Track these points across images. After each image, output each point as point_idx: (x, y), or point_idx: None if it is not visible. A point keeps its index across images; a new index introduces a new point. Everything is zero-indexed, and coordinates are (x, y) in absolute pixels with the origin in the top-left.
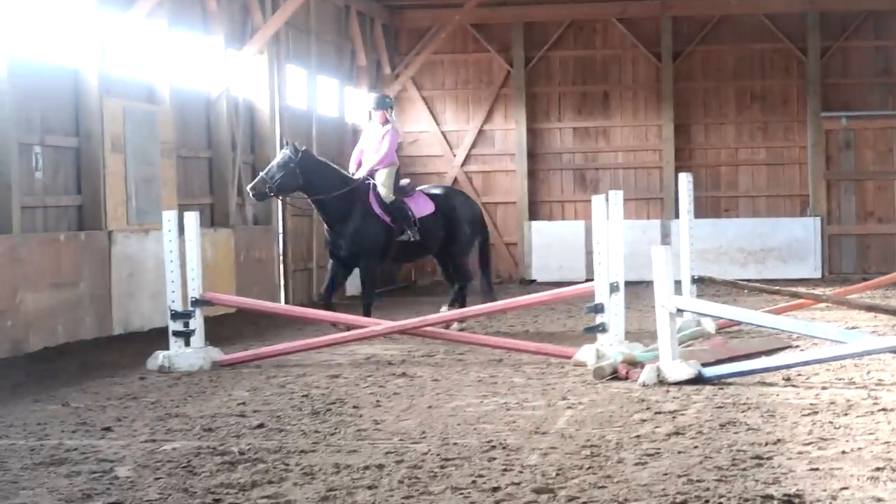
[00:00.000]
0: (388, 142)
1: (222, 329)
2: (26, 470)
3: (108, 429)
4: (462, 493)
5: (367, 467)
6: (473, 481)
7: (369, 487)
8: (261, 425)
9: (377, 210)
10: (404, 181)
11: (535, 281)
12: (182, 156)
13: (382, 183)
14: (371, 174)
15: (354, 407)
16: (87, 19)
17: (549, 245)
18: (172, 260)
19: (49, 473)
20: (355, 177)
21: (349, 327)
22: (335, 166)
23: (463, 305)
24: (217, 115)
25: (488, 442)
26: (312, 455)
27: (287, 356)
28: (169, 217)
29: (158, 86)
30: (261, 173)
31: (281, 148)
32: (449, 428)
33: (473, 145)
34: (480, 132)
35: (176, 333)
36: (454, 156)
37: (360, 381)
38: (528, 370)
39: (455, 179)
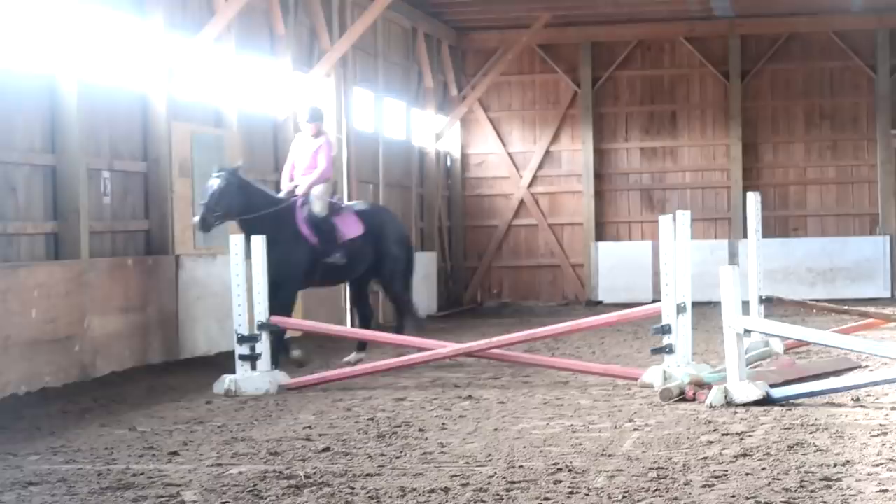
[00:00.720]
0: (325, 156)
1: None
2: (93, 494)
3: (174, 453)
4: None
5: (432, 490)
6: None
7: None
8: (327, 449)
9: (304, 231)
10: (334, 198)
11: (601, 302)
12: (251, 179)
13: (318, 197)
14: (306, 190)
15: (420, 430)
16: (156, 44)
17: (616, 266)
18: (239, 284)
19: (116, 498)
20: (289, 193)
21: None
22: (260, 186)
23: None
24: (284, 139)
25: (554, 465)
26: (378, 478)
27: (353, 379)
28: (236, 241)
29: (226, 110)
30: (200, 202)
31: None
32: (515, 451)
33: (540, 166)
34: (547, 153)
35: (242, 357)
36: (520, 177)
37: (425, 404)
38: (594, 392)
39: (521, 201)
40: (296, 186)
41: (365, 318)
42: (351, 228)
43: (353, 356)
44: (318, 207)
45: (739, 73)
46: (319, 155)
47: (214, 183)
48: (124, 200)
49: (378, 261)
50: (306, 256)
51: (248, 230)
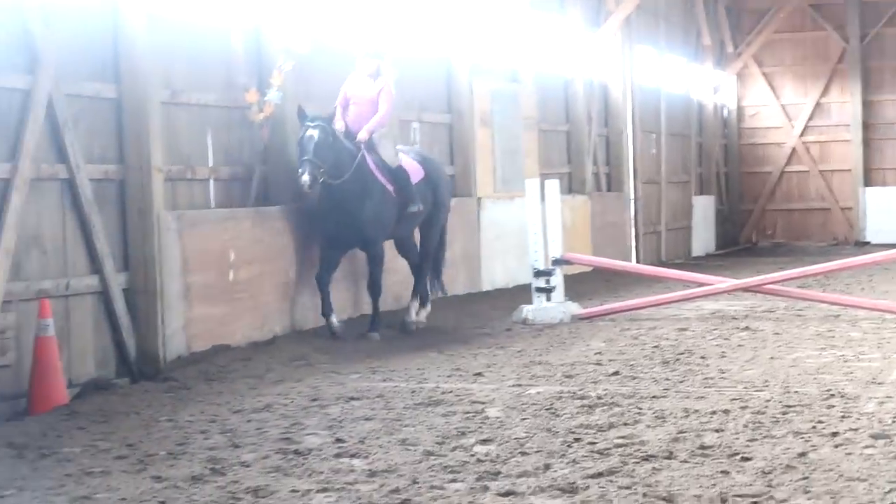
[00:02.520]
0: (387, 99)
1: (579, 286)
2: (408, 409)
3: (479, 374)
4: (803, 437)
5: (713, 412)
6: (813, 426)
7: (716, 430)
8: (616, 373)
9: (384, 182)
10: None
11: (869, 243)
12: (542, 129)
13: (387, 146)
14: (369, 136)
15: (701, 357)
16: (457, 11)
17: (884, 210)
18: (535, 223)
19: (428, 412)
20: (355, 141)
21: None
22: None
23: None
24: (574, 93)
25: (827, 391)
26: (663, 400)
27: (639, 311)
28: (532, 185)
29: (521, 67)
30: (305, 159)
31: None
32: (790, 377)
33: (811, 117)
34: (818, 105)
35: (538, 290)
36: (792, 127)
37: (706, 334)
38: (863, 325)
39: (794, 149)
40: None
41: (420, 265)
42: (415, 173)
43: (419, 313)
44: (391, 154)
45: None
46: (381, 98)
47: (314, 134)
48: (431, 148)
49: (435, 207)
50: (393, 209)
51: (334, 191)
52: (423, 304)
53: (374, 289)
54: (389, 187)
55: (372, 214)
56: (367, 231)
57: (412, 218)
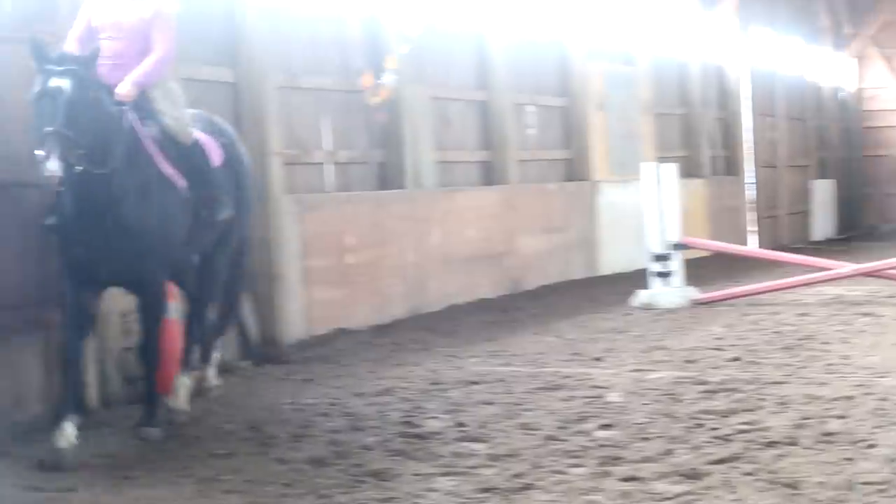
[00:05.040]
0: (166, 29)
1: (697, 270)
2: (528, 393)
3: (598, 359)
4: None
5: (836, 399)
6: None
7: (839, 417)
8: (736, 358)
9: (168, 170)
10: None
11: None
12: (658, 113)
13: (172, 113)
14: (138, 92)
15: (823, 343)
16: None
17: None
18: (652, 207)
19: (548, 397)
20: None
21: None
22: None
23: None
24: (689, 75)
25: None
26: (785, 386)
27: (758, 296)
28: (648, 168)
29: (635, 49)
30: (49, 131)
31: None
32: None
33: None
34: None
35: (657, 274)
36: None
37: (827, 319)
38: None
39: None
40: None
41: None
42: (213, 154)
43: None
44: (180, 122)
45: None
46: (156, 27)
47: (63, 86)
48: (546, 132)
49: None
50: (184, 218)
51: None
52: (206, 359)
53: (149, 356)
54: (179, 182)
55: (151, 229)
56: (140, 258)
57: (211, 231)
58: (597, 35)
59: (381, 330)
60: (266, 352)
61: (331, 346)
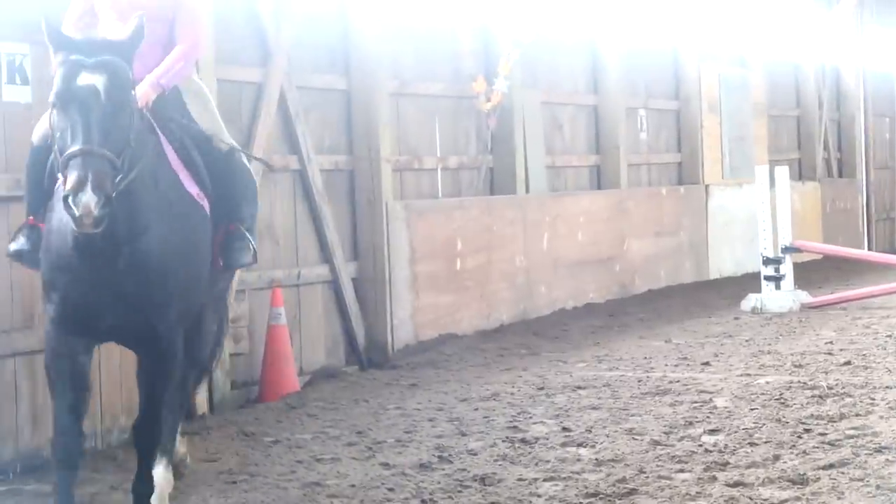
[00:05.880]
0: (195, 19)
1: (809, 274)
2: (635, 398)
3: (706, 363)
4: None
5: None
6: None
7: None
8: (847, 363)
9: (190, 187)
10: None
11: None
12: (772, 115)
13: (202, 113)
14: (159, 94)
15: None
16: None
17: None
18: (764, 210)
19: (655, 402)
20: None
21: None
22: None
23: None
24: (804, 77)
25: None
26: None
27: (871, 299)
28: (761, 172)
29: (749, 51)
30: (84, 150)
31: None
32: None
33: None
34: None
35: (767, 278)
36: None
37: None
38: None
39: None
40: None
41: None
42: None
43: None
44: (211, 128)
45: None
46: (182, 14)
47: (99, 84)
48: (658, 135)
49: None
50: (209, 250)
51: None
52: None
53: (169, 433)
54: (202, 202)
55: (175, 267)
56: (159, 305)
57: (228, 276)
58: (710, 38)
59: (488, 335)
60: (373, 356)
61: (438, 351)
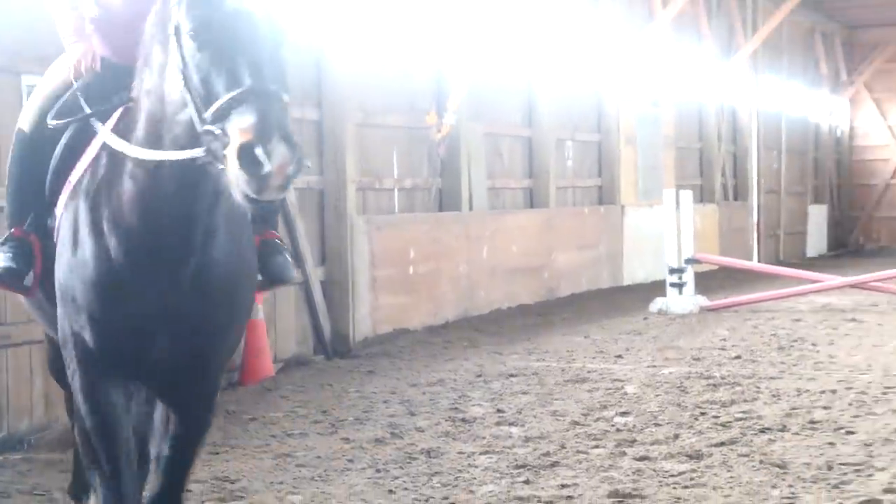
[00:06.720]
0: None
1: (708, 282)
2: (558, 385)
3: (619, 356)
4: None
5: (822, 392)
6: None
7: (824, 408)
8: (738, 357)
9: (239, 195)
10: None
11: None
12: (679, 147)
13: None
14: None
15: (812, 344)
16: (606, 45)
17: None
18: (670, 228)
19: (575, 388)
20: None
21: None
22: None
23: None
24: (706, 115)
25: None
26: (779, 381)
27: (759, 304)
28: (669, 195)
29: (661, 93)
30: (283, 136)
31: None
32: (890, 362)
33: None
34: None
35: (672, 285)
36: None
37: (817, 325)
38: None
39: None
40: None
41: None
42: None
43: None
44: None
45: None
46: None
47: (249, 24)
48: (582, 163)
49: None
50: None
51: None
52: None
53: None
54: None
55: (238, 275)
56: (221, 326)
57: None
58: (628, 81)
59: (435, 330)
60: (337, 347)
61: (392, 344)
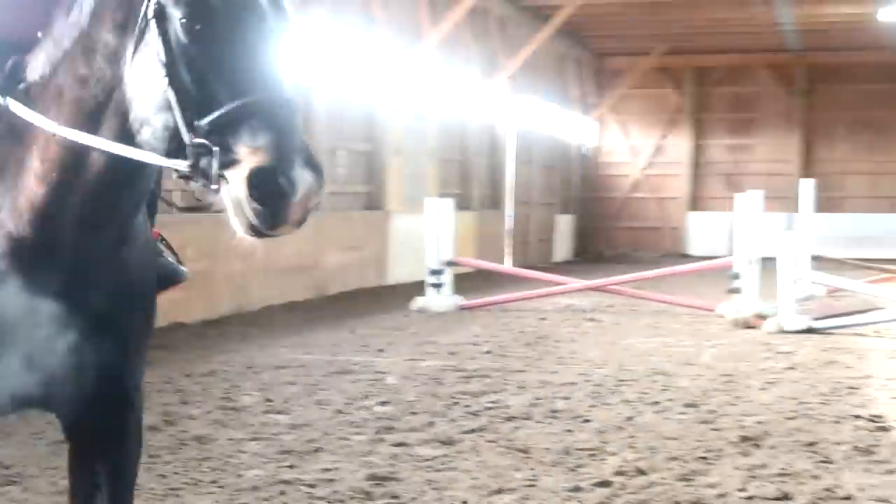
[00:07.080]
0: None
1: (464, 283)
2: (324, 376)
3: (381, 350)
4: (631, 405)
5: (563, 384)
6: (640, 397)
7: (565, 398)
8: (489, 352)
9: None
10: None
11: (691, 255)
12: (442, 158)
13: None
14: None
15: (556, 341)
16: (377, 63)
17: (704, 230)
18: (432, 232)
19: (339, 379)
20: None
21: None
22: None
23: None
24: (467, 130)
25: (652, 369)
26: (525, 374)
27: (509, 304)
28: (431, 202)
29: (427, 108)
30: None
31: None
32: (623, 358)
33: (652, 155)
34: (657, 146)
35: (432, 285)
36: (637, 163)
37: (560, 323)
38: (683, 319)
39: (637, 180)
40: None
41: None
42: None
43: None
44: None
45: (804, 92)
46: None
47: (261, 15)
48: (353, 171)
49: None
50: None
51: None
52: None
53: None
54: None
55: (149, 277)
56: (135, 348)
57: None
58: (398, 96)
59: (211, 324)
60: None
61: (169, 337)
